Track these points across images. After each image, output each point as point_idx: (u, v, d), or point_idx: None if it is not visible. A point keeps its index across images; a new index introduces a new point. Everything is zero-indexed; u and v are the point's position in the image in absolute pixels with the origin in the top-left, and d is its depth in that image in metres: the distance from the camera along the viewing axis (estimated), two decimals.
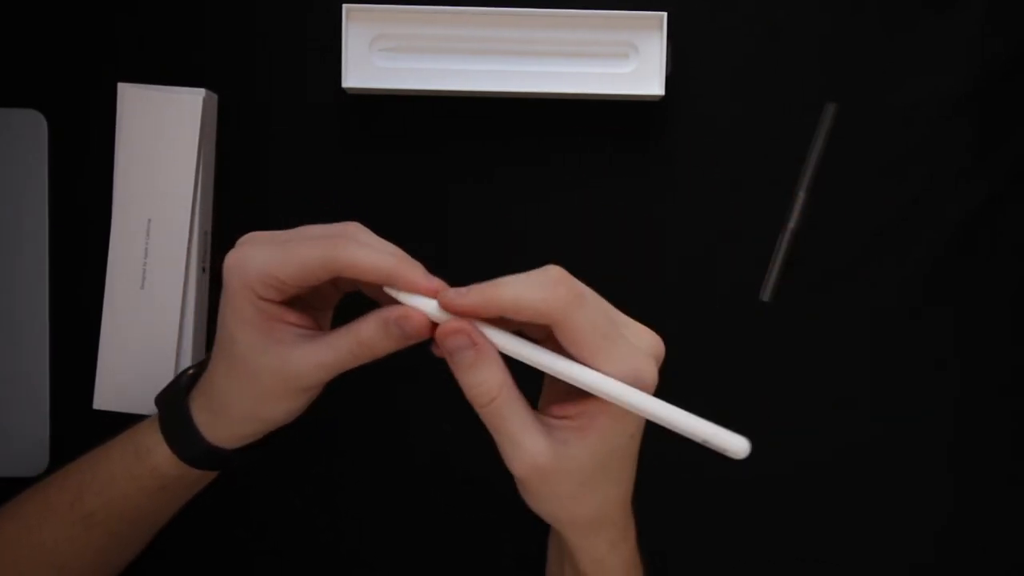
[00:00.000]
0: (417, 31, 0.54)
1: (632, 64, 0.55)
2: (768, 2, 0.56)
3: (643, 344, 0.42)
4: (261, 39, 0.57)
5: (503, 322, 0.41)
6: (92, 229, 0.55)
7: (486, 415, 0.41)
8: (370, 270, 0.41)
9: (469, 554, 0.57)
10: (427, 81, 0.54)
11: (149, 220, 0.54)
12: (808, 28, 0.56)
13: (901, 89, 0.56)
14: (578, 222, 0.57)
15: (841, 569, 0.57)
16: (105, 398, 0.55)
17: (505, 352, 0.41)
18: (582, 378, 0.40)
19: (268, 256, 0.41)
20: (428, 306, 0.41)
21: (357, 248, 0.41)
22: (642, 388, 0.40)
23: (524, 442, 0.40)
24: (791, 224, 0.56)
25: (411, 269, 0.41)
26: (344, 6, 0.54)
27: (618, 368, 0.40)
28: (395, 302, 0.42)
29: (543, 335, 0.42)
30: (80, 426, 0.53)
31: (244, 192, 0.57)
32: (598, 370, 0.40)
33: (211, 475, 0.49)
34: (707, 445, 0.40)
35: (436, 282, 0.41)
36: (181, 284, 0.54)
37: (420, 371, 0.54)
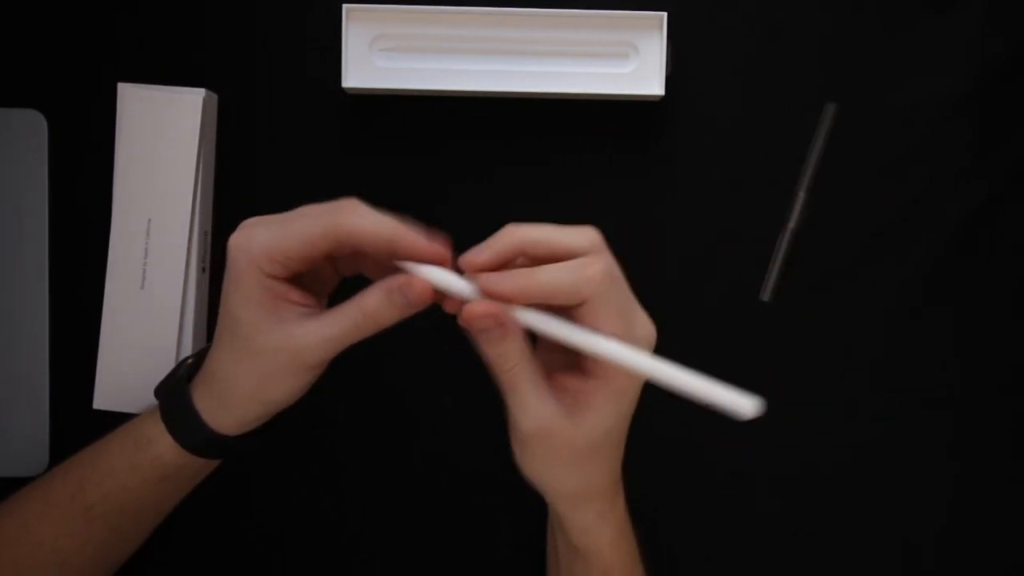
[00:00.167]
0: (417, 31, 0.54)
1: (632, 64, 0.55)
2: (768, 2, 0.56)
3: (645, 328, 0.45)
4: (261, 39, 0.57)
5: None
6: (92, 229, 0.55)
7: (503, 378, 0.43)
8: (371, 235, 0.42)
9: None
10: (427, 81, 0.54)
11: (149, 220, 0.54)
12: (808, 28, 0.56)
13: (901, 89, 0.56)
14: (578, 222, 0.56)
15: (841, 568, 0.57)
16: (105, 398, 0.55)
17: (528, 327, 0.43)
18: (607, 351, 0.42)
19: (272, 232, 0.43)
20: (458, 286, 0.42)
21: (358, 217, 0.42)
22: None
23: (535, 404, 0.43)
24: (791, 224, 0.56)
25: (412, 232, 0.42)
26: (344, 6, 0.54)
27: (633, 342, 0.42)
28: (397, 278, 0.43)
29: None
30: (80, 426, 0.53)
31: (244, 192, 0.57)
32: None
33: (212, 465, 0.49)
34: (716, 408, 0.40)
35: (438, 245, 0.42)
36: (181, 284, 0.54)
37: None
